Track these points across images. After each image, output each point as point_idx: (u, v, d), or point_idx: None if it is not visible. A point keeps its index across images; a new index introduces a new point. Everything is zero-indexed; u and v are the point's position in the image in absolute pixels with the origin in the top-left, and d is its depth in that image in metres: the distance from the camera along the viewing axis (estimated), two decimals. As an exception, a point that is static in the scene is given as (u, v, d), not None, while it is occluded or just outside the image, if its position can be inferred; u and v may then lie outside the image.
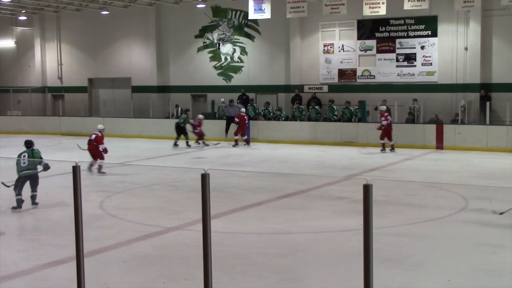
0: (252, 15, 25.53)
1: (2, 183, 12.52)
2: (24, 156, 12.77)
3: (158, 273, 8.31)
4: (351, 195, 13.24)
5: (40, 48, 33.78)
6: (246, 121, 24.41)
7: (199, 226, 4.66)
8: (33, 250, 9.77)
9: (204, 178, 4.45)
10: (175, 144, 23.88)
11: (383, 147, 21.67)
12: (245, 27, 28.63)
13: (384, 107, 22.36)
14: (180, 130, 24.06)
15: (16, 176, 12.39)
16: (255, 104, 27.39)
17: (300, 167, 18.62)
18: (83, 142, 18.19)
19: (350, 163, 19.26)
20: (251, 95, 27.92)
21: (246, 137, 24.35)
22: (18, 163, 12.65)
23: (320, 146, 23.39)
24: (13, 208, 12.29)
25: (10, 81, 34.53)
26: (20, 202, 12.33)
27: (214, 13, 29.27)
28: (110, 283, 7.81)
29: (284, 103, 27.67)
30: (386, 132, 21.56)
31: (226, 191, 14.04)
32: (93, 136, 17.51)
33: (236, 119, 24.12)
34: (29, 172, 12.61)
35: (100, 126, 18.15)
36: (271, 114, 26.94)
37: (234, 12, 28.81)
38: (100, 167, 17.29)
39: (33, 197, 12.60)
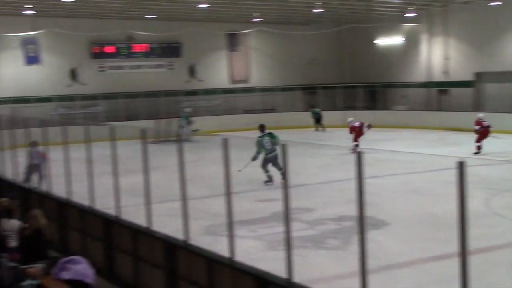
0: None
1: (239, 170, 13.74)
2: (266, 139, 15.14)
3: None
4: None
5: (426, 44, 34.16)
6: None
7: None
8: (417, 242, 9.91)
9: None
10: None
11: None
12: None
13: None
14: None
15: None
16: None
17: None
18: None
19: None
20: None
21: None
22: (262, 145, 15.01)
23: None
24: (266, 182, 14.89)
25: (396, 77, 35.66)
26: (270, 177, 14.83)
27: None
28: (495, 284, 7.49)
29: None
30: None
31: None
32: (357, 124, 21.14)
33: None
34: (274, 154, 14.89)
35: (349, 119, 21.46)
36: None
37: None
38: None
39: (283, 174, 13.54)
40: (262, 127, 15.80)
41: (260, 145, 15.19)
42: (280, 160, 14.68)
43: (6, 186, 13.50)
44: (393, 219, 11.42)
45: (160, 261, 8.33)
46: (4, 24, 28.09)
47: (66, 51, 30.42)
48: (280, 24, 34.65)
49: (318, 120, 31.27)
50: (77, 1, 25.62)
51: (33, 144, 14.98)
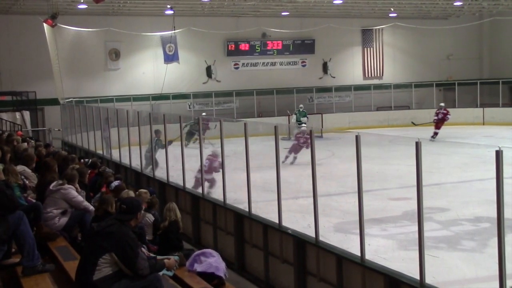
0: None
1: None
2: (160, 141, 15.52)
3: None
4: None
5: None
6: None
7: None
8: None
9: None
10: None
11: None
12: None
13: None
14: None
15: None
16: None
17: None
18: None
19: None
20: None
21: None
22: (157, 145, 15.42)
23: None
24: None
25: (544, 72, 33.54)
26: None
27: None
28: None
29: None
30: None
31: None
32: None
33: None
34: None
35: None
36: None
37: None
38: None
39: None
40: (156, 132, 16.52)
41: (156, 144, 16.22)
42: None
43: (145, 180, 14.09)
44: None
45: (290, 257, 8.37)
46: (146, 24, 29.31)
47: (202, 49, 31.24)
48: (416, 19, 33.78)
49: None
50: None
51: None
